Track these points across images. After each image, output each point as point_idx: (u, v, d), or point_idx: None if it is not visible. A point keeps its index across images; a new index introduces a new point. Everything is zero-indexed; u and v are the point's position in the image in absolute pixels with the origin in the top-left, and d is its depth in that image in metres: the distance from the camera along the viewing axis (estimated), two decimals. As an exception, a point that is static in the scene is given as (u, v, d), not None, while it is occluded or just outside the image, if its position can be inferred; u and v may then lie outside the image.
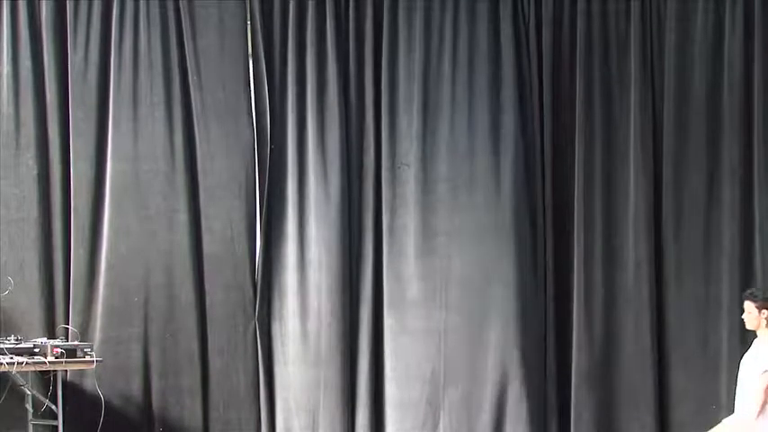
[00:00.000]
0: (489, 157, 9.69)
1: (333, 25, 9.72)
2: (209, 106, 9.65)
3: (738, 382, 8.35)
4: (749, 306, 8.37)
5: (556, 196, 9.75)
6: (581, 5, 9.76)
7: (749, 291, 8.56)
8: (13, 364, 8.43)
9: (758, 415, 8.12)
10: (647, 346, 9.57)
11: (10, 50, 9.45)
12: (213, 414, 9.54)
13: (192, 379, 9.51)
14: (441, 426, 9.60)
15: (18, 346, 8.62)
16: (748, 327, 8.40)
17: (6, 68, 9.45)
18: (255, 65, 9.68)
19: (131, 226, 9.49)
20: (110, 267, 9.43)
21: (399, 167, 9.72)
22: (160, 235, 9.54)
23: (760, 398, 8.20)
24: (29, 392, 8.91)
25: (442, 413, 9.61)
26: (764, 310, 8.37)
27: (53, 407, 8.84)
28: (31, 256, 9.42)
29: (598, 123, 9.73)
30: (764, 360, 8.22)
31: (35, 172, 9.49)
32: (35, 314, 9.35)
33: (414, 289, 9.65)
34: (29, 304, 9.34)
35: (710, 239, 9.65)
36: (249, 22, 9.69)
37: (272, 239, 9.68)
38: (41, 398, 8.90)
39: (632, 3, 9.74)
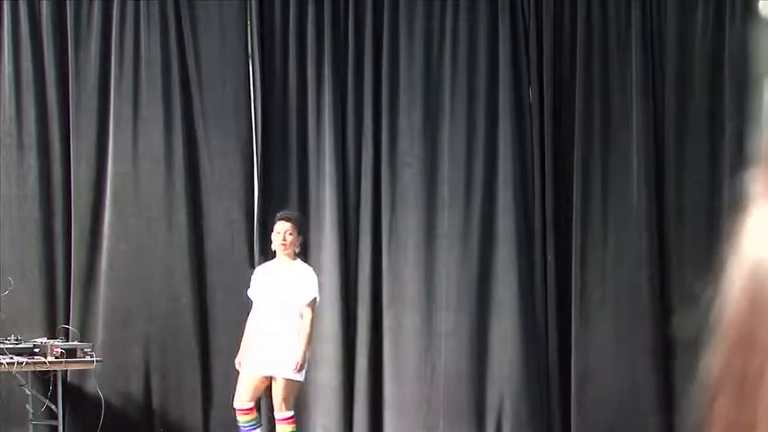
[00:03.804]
0: (488, 157, 9.70)
1: (332, 25, 9.72)
2: (209, 106, 9.65)
3: (267, 307, 8.20)
4: (290, 228, 8.21)
5: (555, 197, 9.75)
6: (581, 7, 9.76)
7: (287, 212, 8.43)
8: (13, 364, 8.43)
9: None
10: (647, 346, 9.57)
11: (11, 51, 9.46)
12: (213, 414, 9.55)
13: (192, 379, 9.51)
14: (440, 426, 9.60)
15: (18, 346, 8.62)
16: (283, 250, 8.21)
17: (7, 69, 9.47)
18: (255, 65, 9.68)
19: (132, 226, 9.50)
20: (110, 267, 9.44)
21: (401, 167, 9.73)
22: (160, 235, 9.54)
23: (310, 329, 8.15)
24: (29, 392, 8.91)
25: (441, 414, 9.61)
26: (300, 236, 8.30)
27: (53, 407, 8.83)
28: (32, 256, 9.42)
29: (598, 125, 9.73)
30: (309, 288, 8.17)
31: (36, 172, 9.49)
32: (35, 314, 9.35)
33: (413, 289, 9.65)
34: (29, 304, 9.35)
35: (712, 240, 9.64)
36: (249, 23, 9.70)
37: (271, 240, 9.67)
38: (41, 398, 8.89)
39: (633, 3, 9.74)
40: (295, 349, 8.10)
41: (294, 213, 8.58)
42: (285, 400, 8.19)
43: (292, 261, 8.29)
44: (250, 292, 8.43)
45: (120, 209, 9.48)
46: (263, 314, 8.25)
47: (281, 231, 8.25)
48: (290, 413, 8.24)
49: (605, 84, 9.74)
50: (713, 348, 0.88)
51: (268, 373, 8.20)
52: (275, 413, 8.28)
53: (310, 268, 8.35)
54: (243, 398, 8.29)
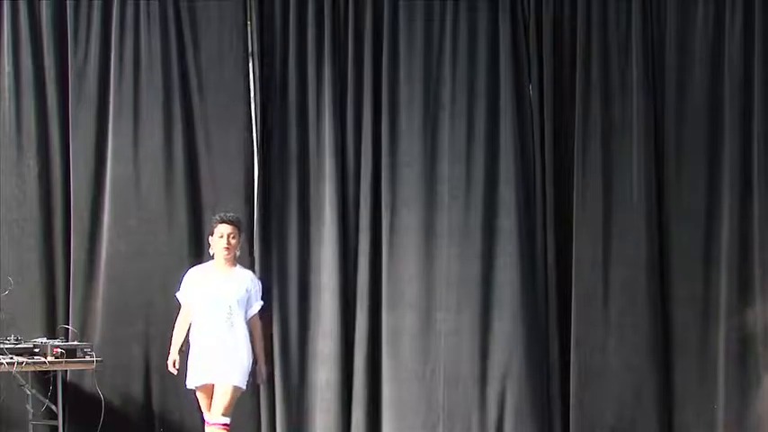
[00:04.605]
0: (489, 156, 9.69)
1: (332, 24, 9.71)
2: (209, 107, 9.65)
3: (215, 314, 8.14)
4: (233, 231, 8.15)
5: (555, 196, 9.75)
6: (581, 7, 9.75)
7: (228, 214, 8.31)
8: (13, 364, 8.44)
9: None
10: (647, 345, 9.56)
11: (10, 51, 9.47)
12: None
13: (192, 379, 9.51)
14: (440, 426, 9.59)
15: (18, 346, 8.64)
16: (227, 255, 8.15)
17: (7, 69, 9.47)
18: (255, 64, 9.68)
19: (131, 226, 9.49)
20: (110, 267, 9.44)
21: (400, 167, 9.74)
22: (160, 236, 9.53)
23: (264, 337, 8.31)
24: (29, 392, 8.92)
25: (441, 414, 9.60)
26: (241, 238, 8.25)
27: (53, 407, 8.85)
28: (32, 256, 9.43)
29: (598, 124, 9.73)
30: (258, 296, 8.25)
31: (36, 172, 9.51)
32: (35, 314, 9.36)
33: (413, 289, 9.64)
34: (29, 304, 9.35)
35: (710, 241, 9.64)
36: (249, 22, 9.70)
37: (271, 241, 9.67)
38: (41, 398, 8.91)
39: (633, 3, 9.73)
40: (246, 357, 8.15)
41: (235, 216, 8.48)
42: (229, 406, 8.13)
43: (233, 267, 8.26)
44: (183, 296, 8.35)
45: (120, 209, 9.49)
46: (209, 321, 8.19)
47: (225, 234, 8.17)
48: (228, 419, 8.17)
49: (605, 84, 9.73)
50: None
51: (218, 380, 8.15)
52: (215, 418, 8.12)
53: (253, 274, 8.33)
54: (211, 412, 8.25)
